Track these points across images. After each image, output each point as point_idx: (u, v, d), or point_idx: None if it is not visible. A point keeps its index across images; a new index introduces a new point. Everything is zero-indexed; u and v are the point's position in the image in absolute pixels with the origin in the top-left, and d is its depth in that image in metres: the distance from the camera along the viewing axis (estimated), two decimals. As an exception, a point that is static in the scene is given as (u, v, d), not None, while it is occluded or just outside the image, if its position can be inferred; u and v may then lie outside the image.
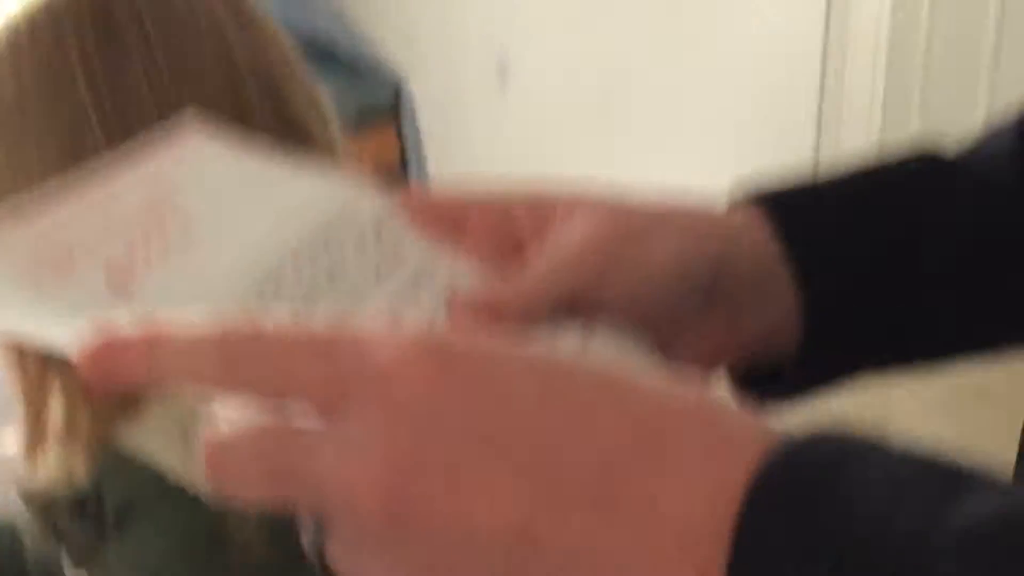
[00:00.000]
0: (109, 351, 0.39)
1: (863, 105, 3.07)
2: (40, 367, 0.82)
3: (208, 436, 0.39)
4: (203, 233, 0.47)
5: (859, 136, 3.07)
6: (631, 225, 0.52)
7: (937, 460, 0.37)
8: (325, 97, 0.88)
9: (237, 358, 0.38)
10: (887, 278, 0.56)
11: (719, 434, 0.38)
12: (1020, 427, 0.55)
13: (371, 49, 2.66)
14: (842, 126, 3.10)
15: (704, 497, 0.36)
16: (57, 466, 0.82)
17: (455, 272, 0.50)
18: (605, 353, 0.49)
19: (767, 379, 0.56)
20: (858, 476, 0.36)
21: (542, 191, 0.53)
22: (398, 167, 2.56)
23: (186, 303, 0.44)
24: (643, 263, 0.51)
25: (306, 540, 0.50)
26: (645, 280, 0.51)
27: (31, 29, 0.81)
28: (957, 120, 2.92)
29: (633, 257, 0.51)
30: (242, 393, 0.38)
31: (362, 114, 2.49)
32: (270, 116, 0.83)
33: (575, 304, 0.50)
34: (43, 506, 0.84)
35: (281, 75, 0.84)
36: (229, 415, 0.39)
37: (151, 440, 0.81)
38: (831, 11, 3.01)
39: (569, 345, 0.48)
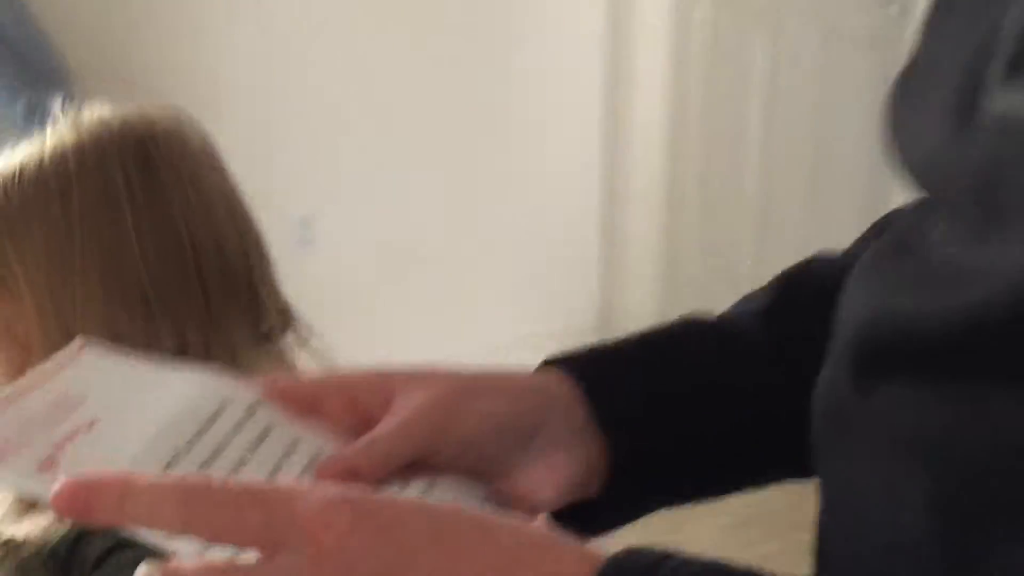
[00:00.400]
0: (84, 491, 0.48)
1: (643, 270, 3.36)
2: None
3: (165, 569, 0.48)
4: (110, 428, 0.57)
5: (640, 295, 3.35)
6: (458, 392, 0.62)
7: (734, 566, 0.49)
8: None
9: (193, 508, 0.48)
10: (670, 427, 0.69)
11: (560, 557, 0.50)
12: (806, 549, 0.63)
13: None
14: (624, 289, 3.38)
15: None
16: (43, 525, 0.91)
17: (318, 444, 0.60)
18: (447, 500, 0.59)
19: (583, 513, 0.67)
20: (672, 573, 0.48)
21: (384, 371, 0.64)
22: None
23: None
24: (471, 423, 0.62)
25: None
26: (473, 437, 0.62)
27: (79, 158, 0.95)
28: (733, 264, 3.11)
29: (462, 418, 0.61)
30: (195, 537, 0.48)
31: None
32: (254, 234, 1.02)
33: (419, 460, 0.60)
34: (20, 563, 0.92)
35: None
36: (184, 548, 0.49)
37: None
38: (611, 189, 3.33)
39: (415, 495, 0.59)
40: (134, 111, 1.00)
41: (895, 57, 2.56)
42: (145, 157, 0.96)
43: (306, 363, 1.03)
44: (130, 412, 0.58)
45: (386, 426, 0.60)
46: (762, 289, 0.75)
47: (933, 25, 0.63)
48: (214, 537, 0.48)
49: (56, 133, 0.98)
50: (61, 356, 0.61)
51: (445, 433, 0.61)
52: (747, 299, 0.75)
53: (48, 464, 0.54)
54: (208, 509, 0.48)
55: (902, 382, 0.56)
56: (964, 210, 0.56)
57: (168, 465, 0.55)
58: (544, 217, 3.27)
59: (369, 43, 2.96)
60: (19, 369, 0.96)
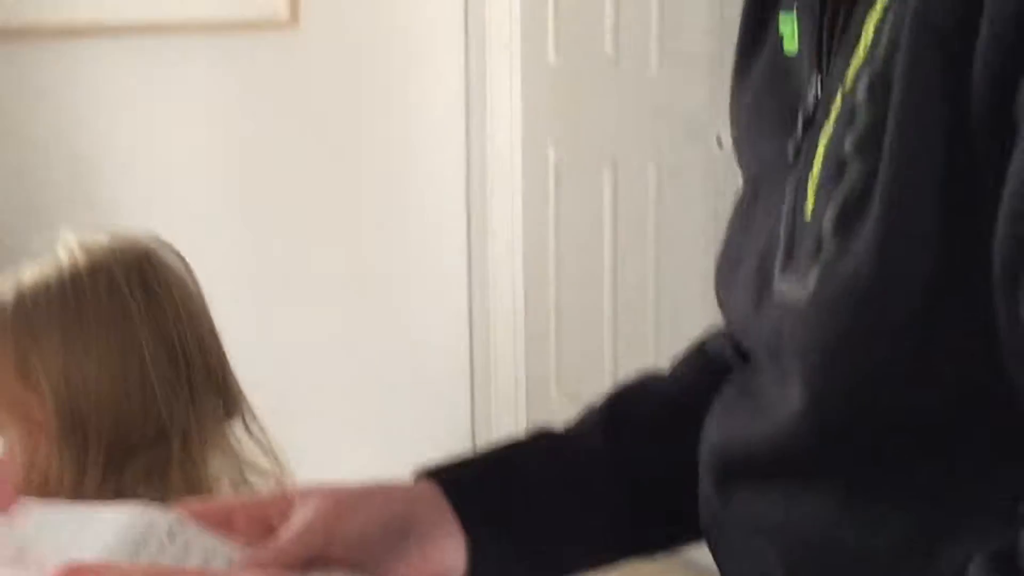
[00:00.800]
0: (74, 572, 0.65)
1: (509, 391, 3.55)
2: None
3: None
4: (56, 558, 0.71)
5: (508, 416, 3.54)
6: (345, 501, 0.77)
7: None
8: None
9: None
10: (521, 519, 0.85)
11: None
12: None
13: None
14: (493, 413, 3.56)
15: None
16: None
17: (230, 551, 0.75)
18: None
19: None
20: None
21: (285, 490, 0.81)
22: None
23: None
24: (354, 526, 0.77)
25: None
26: (357, 537, 0.76)
27: (92, 277, 1.14)
28: (588, 380, 3.33)
29: (345, 523, 0.76)
30: None
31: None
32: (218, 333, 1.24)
33: (314, 559, 0.74)
34: None
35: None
36: None
37: None
38: (472, 307, 3.52)
39: None
40: (129, 238, 1.21)
41: (723, 188, 2.81)
42: (143, 276, 1.17)
43: (247, 441, 1.21)
44: (72, 549, 0.72)
45: (284, 534, 0.74)
46: (601, 404, 0.91)
47: (738, 224, 0.81)
48: None
49: (71, 254, 1.18)
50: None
51: (332, 536, 0.75)
52: (590, 411, 0.91)
53: None
54: None
55: (748, 487, 0.75)
56: (766, 364, 0.73)
57: None
58: (415, 358, 3.43)
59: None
60: (35, 448, 1.15)
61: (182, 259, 1.24)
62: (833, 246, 0.65)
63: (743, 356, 0.83)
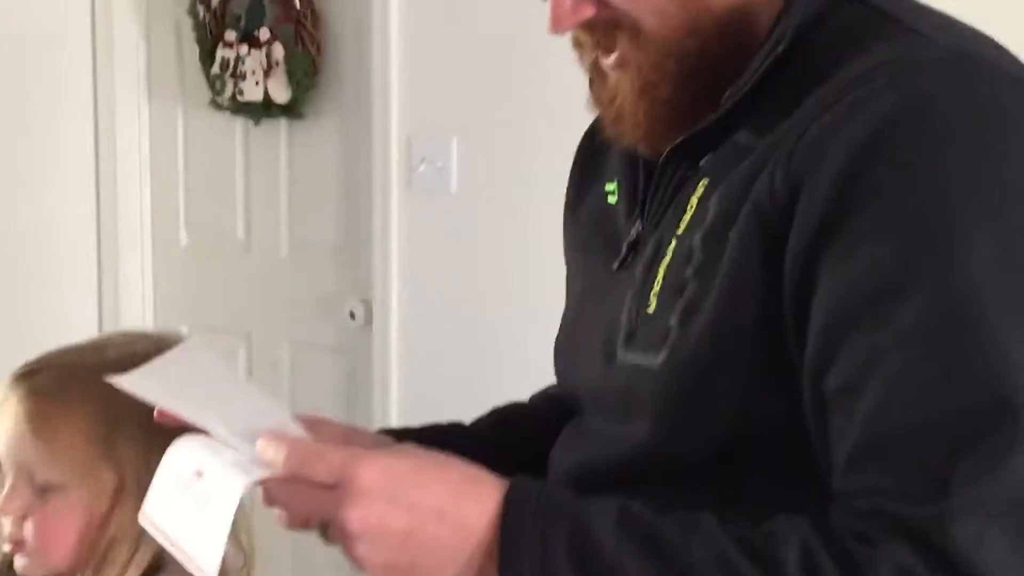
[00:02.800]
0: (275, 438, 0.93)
1: None
2: None
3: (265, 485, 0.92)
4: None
5: None
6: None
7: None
8: None
9: (298, 457, 0.91)
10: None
11: (480, 486, 0.93)
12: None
13: None
14: None
15: (488, 511, 0.91)
16: None
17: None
18: None
19: None
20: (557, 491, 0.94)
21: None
22: None
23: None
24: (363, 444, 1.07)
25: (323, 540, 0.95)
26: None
27: None
28: None
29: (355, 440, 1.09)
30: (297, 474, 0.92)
31: None
32: None
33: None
34: None
35: None
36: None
37: None
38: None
39: None
40: (160, 333, 1.42)
41: (360, 361, 3.08)
42: None
43: None
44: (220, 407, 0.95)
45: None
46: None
47: (572, 320, 1.19)
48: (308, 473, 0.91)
49: (131, 342, 1.36)
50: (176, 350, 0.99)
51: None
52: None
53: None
54: (311, 457, 0.91)
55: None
56: (613, 411, 1.06)
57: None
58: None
59: None
60: (95, 514, 1.36)
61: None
62: (677, 334, 0.99)
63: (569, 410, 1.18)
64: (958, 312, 0.86)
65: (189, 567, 0.92)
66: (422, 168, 2.98)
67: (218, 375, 1.00)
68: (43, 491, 1.43)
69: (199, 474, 0.93)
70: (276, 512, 0.94)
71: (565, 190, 1.26)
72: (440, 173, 2.96)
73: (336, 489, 0.90)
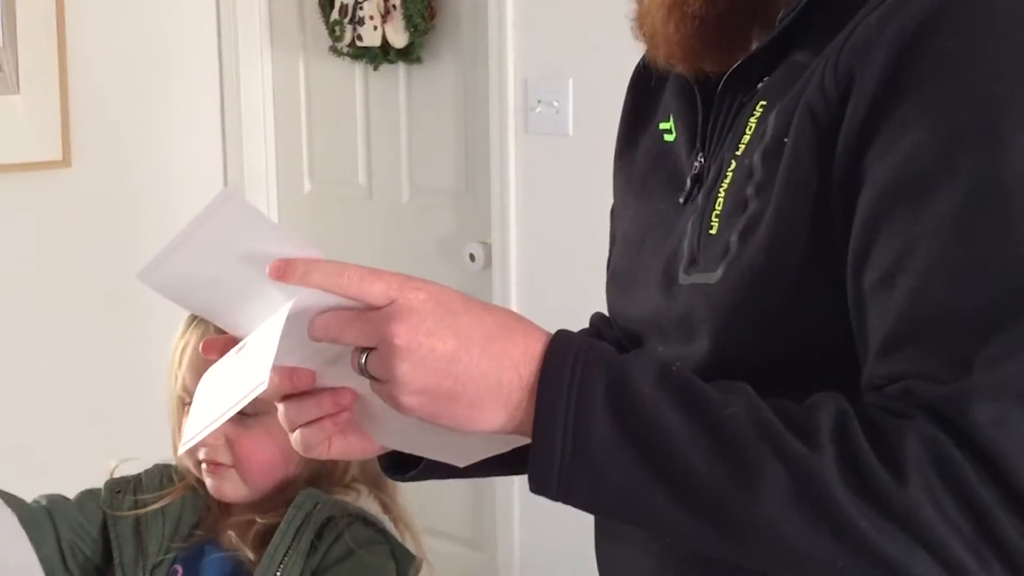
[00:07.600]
0: (286, 263, 0.92)
1: None
2: None
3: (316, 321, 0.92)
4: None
5: None
6: None
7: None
8: None
9: (342, 274, 0.92)
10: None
11: (527, 325, 0.94)
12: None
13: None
14: None
15: (532, 348, 0.92)
16: None
17: None
18: None
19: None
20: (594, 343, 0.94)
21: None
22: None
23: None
24: None
25: (356, 362, 0.93)
26: None
27: None
28: None
29: None
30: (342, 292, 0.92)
31: None
32: None
33: None
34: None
35: None
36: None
37: None
38: None
39: None
40: None
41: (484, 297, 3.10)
42: None
43: None
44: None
45: None
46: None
47: (627, 257, 1.18)
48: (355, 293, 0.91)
49: None
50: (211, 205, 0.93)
51: None
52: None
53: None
54: (370, 277, 0.91)
55: None
56: (673, 333, 1.06)
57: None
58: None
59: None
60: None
61: None
62: (736, 248, 0.99)
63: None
64: (993, 201, 0.87)
65: (245, 399, 0.94)
66: (539, 110, 2.98)
67: (253, 237, 0.94)
68: (243, 417, 1.54)
69: (240, 348, 0.98)
70: (294, 437, 0.99)
71: (616, 139, 1.26)
72: (557, 115, 2.96)
73: (386, 307, 0.90)
